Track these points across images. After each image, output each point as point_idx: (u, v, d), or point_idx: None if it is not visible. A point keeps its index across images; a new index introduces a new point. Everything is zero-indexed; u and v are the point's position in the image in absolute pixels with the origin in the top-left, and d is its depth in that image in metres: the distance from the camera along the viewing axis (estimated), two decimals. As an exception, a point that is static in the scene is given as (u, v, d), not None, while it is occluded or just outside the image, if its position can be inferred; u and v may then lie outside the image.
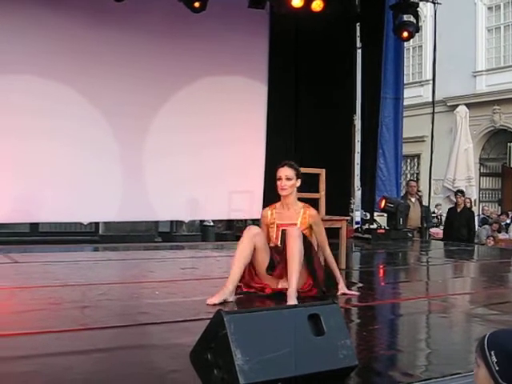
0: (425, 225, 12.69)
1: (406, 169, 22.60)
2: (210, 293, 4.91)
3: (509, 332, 2.03)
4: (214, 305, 4.50)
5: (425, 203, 12.72)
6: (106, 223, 12.71)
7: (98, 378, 3.09)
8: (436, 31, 11.94)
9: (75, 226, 12.52)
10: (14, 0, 9.02)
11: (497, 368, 1.92)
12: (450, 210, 13.02)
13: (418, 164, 22.58)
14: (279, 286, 4.96)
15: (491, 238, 13.73)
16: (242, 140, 10.75)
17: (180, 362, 3.13)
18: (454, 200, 12.96)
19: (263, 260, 4.94)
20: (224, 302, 4.63)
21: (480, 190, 20.46)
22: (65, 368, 3.21)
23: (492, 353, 1.94)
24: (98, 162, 9.66)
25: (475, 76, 21.14)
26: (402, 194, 12.54)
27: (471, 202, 13.57)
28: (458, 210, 12.62)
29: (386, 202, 11.07)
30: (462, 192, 12.97)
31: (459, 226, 12.32)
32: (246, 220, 15.79)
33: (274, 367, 2.60)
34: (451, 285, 6.90)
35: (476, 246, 12.27)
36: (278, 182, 5.27)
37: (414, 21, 10.29)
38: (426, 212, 12.85)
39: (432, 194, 13.04)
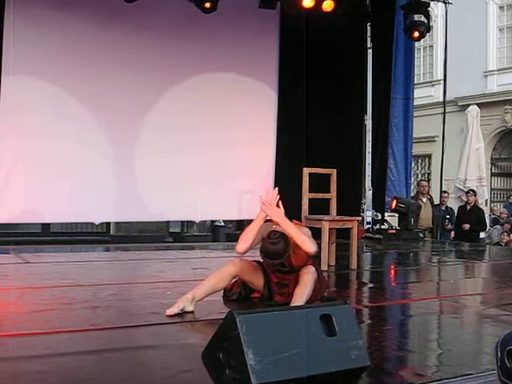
0: (449, 226, 12.69)
1: (417, 169, 22.54)
2: (221, 293, 4.90)
3: None
4: (174, 315, 4.35)
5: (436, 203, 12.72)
6: (117, 224, 12.75)
7: (108, 378, 3.10)
8: (447, 31, 11.91)
9: (86, 226, 12.56)
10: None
11: (499, 363, 1.96)
12: (459, 208, 13.01)
13: (429, 164, 22.49)
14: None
15: (505, 234, 13.70)
16: (252, 140, 10.75)
17: (192, 362, 3.13)
18: (465, 199, 12.95)
19: (257, 285, 4.89)
20: (183, 312, 4.43)
21: (491, 189, 20.37)
22: (76, 368, 3.22)
23: (499, 349, 1.98)
24: (105, 162, 9.70)
25: (486, 76, 21.04)
26: (411, 194, 12.51)
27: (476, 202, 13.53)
28: (468, 208, 12.61)
29: (397, 203, 11.05)
30: (473, 191, 12.96)
31: (469, 225, 12.29)
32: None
33: (286, 367, 2.60)
34: (462, 285, 6.88)
35: (487, 246, 12.23)
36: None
37: (425, 20, 10.27)
38: (449, 212, 12.87)
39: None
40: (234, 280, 4.89)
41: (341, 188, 7.82)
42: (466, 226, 12.16)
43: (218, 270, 4.75)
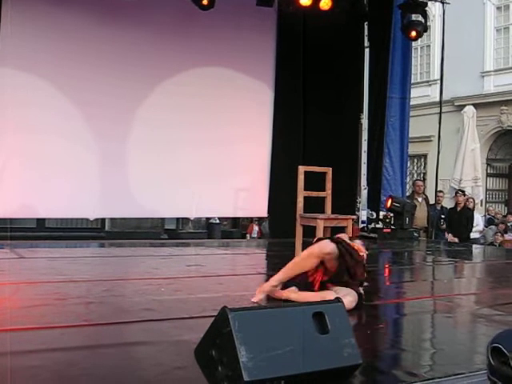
0: (444, 226, 12.68)
1: (413, 168, 22.55)
2: (216, 290, 4.90)
3: (508, 331, 2.07)
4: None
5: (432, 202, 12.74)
6: (112, 220, 12.75)
7: (101, 374, 3.10)
8: (444, 31, 11.92)
9: (81, 222, 12.57)
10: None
11: (487, 362, 1.98)
12: (450, 209, 13.02)
13: (425, 164, 22.51)
14: None
15: (499, 235, 13.74)
16: (248, 137, 10.77)
17: (185, 359, 3.13)
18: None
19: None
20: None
21: (487, 190, 20.40)
22: (69, 363, 3.22)
23: (489, 347, 2.00)
24: (100, 159, 9.70)
25: (483, 76, 21.07)
26: (407, 194, 12.53)
27: (474, 202, 13.54)
28: (458, 209, 12.62)
29: (392, 202, 11.06)
30: (462, 191, 12.98)
31: (459, 226, 12.30)
32: (251, 218, 15.87)
33: (279, 365, 2.60)
34: (456, 285, 6.88)
35: (482, 246, 12.25)
36: None
37: (423, 20, 10.28)
38: (444, 212, 12.88)
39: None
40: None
41: (336, 186, 7.82)
42: (454, 239, 12.17)
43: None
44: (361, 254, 4.65)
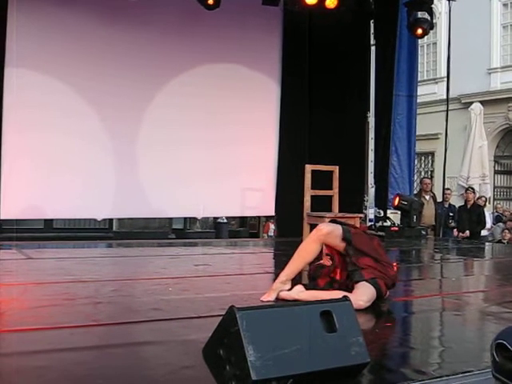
0: (452, 224, 12.66)
1: (420, 166, 22.52)
2: (223, 289, 4.89)
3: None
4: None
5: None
6: (119, 220, 12.77)
7: (109, 374, 3.10)
8: (450, 28, 11.89)
9: (89, 222, 12.59)
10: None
11: (491, 359, 1.97)
12: (459, 207, 13.01)
13: (433, 161, 22.47)
14: None
15: (507, 232, 13.71)
16: (255, 137, 10.77)
17: (193, 359, 3.13)
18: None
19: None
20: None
21: (494, 187, 20.36)
22: (78, 363, 3.22)
23: (493, 344, 1.99)
24: (108, 159, 9.72)
25: (490, 73, 21.02)
26: (414, 192, 12.51)
27: (486, 200, 13.52)
28: (468, 206, 12.60)
29: (399, 200, 11.04)
30: (472, 189, 12.98)
31: (470, 223, 12.29)
32: (259, 217, 15.87)
33: (287, 364, 2.60)
34: (465, 283, 6.86)
35: (491, 243, 12.21)
36: None
37: (429, 18, 10.26)
38: (452, 210, 12.86)
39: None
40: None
41: (343, 185, 7.82)
42: (467, 234, 12.20)
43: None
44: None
